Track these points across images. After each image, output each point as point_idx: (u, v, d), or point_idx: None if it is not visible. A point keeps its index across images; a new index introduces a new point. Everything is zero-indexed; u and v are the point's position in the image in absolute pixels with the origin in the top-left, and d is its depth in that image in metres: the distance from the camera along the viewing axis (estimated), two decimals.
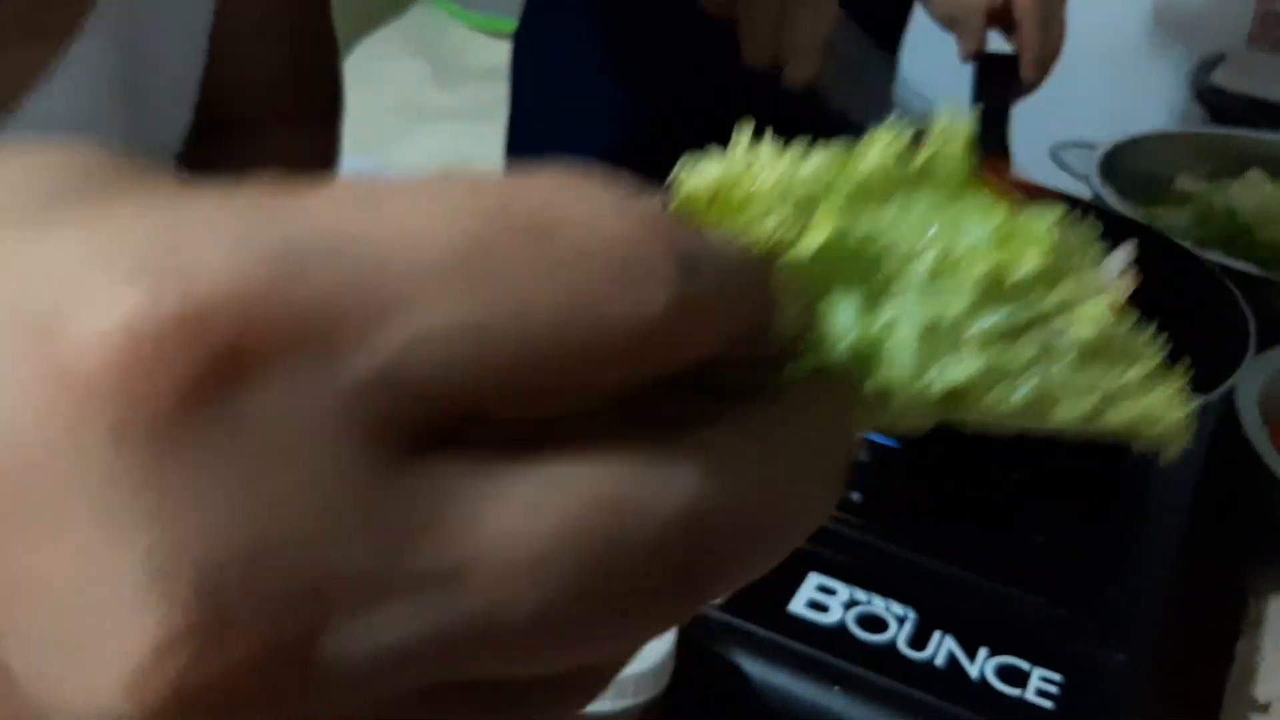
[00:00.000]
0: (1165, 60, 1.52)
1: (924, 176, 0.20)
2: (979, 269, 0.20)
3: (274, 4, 0.71)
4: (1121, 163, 1.04)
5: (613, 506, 0.15)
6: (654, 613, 0.16)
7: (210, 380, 0.13)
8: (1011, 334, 0.20)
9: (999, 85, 0.91)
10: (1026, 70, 0.91)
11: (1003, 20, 0.94)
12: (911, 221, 0.20)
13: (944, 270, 0.20)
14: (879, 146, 0.20)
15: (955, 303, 0.20)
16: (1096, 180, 1.00)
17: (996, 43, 0.95)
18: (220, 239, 0.13)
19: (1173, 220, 1.00)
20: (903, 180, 0.20)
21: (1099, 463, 0.69)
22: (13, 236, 0.14)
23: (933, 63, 0.99)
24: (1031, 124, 0.99)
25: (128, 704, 0.13)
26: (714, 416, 0.17)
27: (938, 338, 0.20)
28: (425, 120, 1.89)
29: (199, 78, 0.65)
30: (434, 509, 0.14)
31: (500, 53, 2.03)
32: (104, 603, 0.13)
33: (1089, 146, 1.04)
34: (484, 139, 1.86)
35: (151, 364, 0.13)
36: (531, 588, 0.15)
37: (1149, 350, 0.22)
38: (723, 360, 0.17)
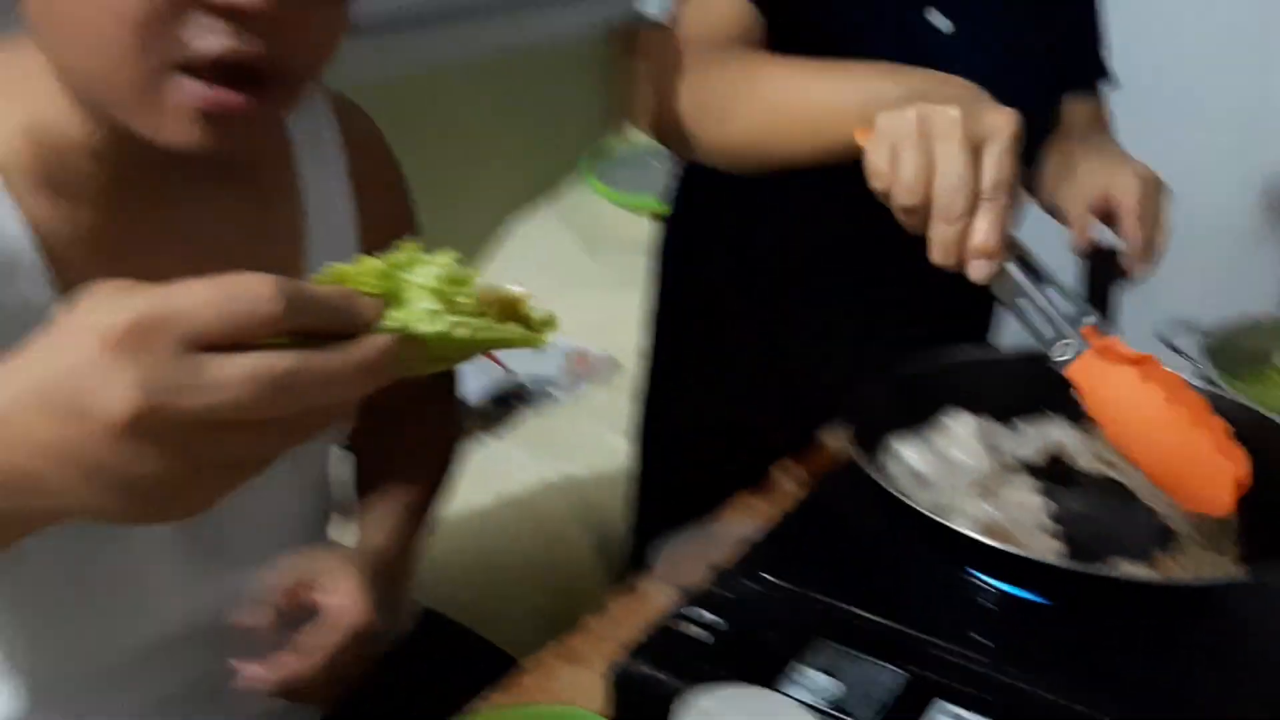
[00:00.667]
0: (1272, 242, 1.59)
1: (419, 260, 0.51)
2: (433, 287, 0.50)
3: None
4: (1226, 342, 1.11)
5: (265, 366, 0.44)
6: (285, 403, 0.45)
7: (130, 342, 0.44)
8: (455, 309, 0.50)
9: (1104, 274, 0.99)
10: (1130, 264, 0.98)
11: (1105, 215, 1.02)
12: (419, 277, 0.50)
13: (429, 289, 0.50)
14: (406, 251, 0.50)
15: (429, 302, 0.49)
16: (1201, 359, 1.07)
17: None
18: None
19: (1272, 398, 1.07)
20: (415, 263, 0.50)
21: (1199, 619, 0.77)
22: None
23: (1043, 245, 1.08)
24: (1138, 303, 1.06)
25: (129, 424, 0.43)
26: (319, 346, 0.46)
27: (432, 315, 0.49)
28: (574, 286, 2.04)
29: None
30: (209, 365, 0.43)
31: (642, 228, 2.20)
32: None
33: (1195, 328, 1.11)
34: (626, 304, 2.00)
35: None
36: (243, 388, 0.43)
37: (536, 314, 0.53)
38: (333, 329, 0.46)
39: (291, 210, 0.84)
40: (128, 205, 0.72)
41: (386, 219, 0.91)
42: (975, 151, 0.73)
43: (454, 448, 1.04)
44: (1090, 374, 0.79)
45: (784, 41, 0.96)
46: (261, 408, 0.44)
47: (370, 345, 0.47)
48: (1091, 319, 0.79)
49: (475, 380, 1.85)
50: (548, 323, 0.54)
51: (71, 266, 0.69)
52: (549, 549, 1.54)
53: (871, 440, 0.89)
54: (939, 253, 0.75)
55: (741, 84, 0.92)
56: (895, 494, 0.78)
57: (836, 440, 1.07)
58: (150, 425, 0.43)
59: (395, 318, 0.49)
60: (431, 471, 1.01)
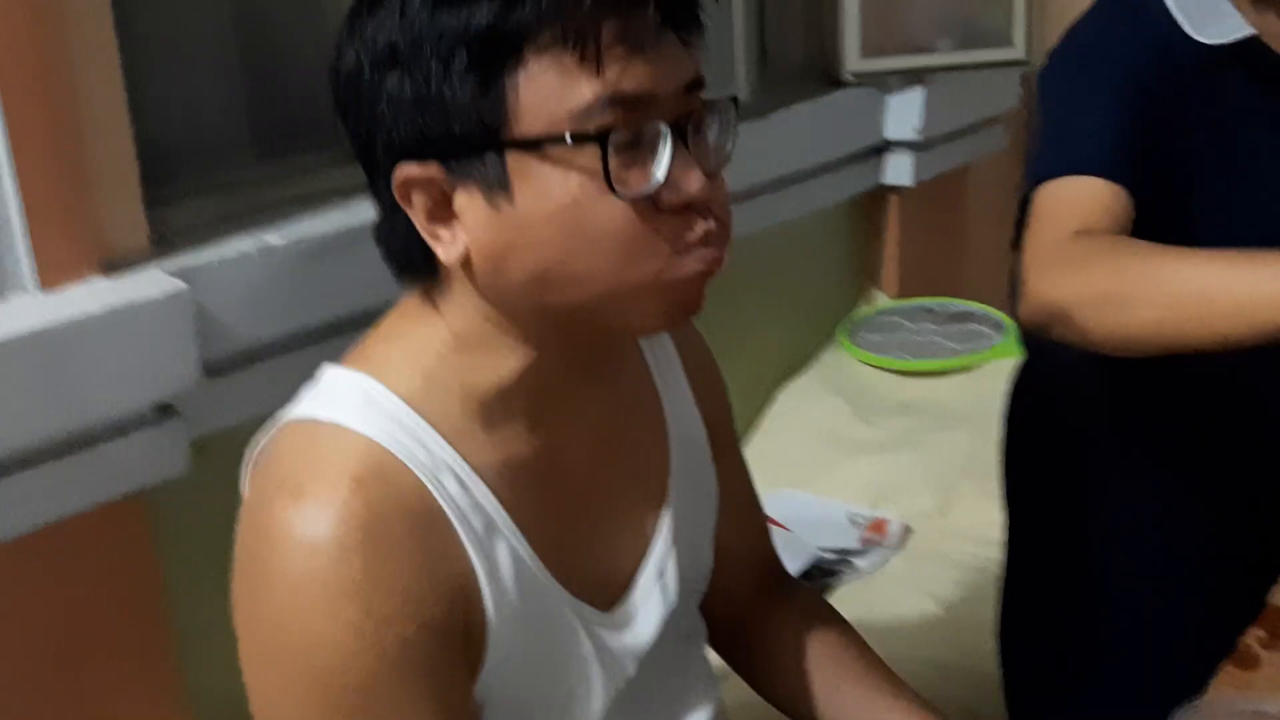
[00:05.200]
0: None
1: None
2: None
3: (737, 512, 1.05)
4: None
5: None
6: None
7: None
8: None
9: None
10: None
11: None
12: None
13: None
14: None
15: None
16: None
17: None
18: None
19: None
20: None
21: None
22: None
23: None
24: None
25: None
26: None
27: None
28: (847, 452, 2.04)
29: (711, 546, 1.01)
30: None
31: (906, 388, 2.19)
32: None
33: None
34: (900, 466, 1.99)
35: None
36: None
37: None
38: None
39: (653, 405, 0.95)
40: (543, 417, 0.83)
41: (716, 406, 1.01)
42: None
43: None
44: None
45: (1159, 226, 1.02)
46: None
47: None
48: None
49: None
50: None
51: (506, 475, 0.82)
52: None
53: None
54: None
55: (1144, 273, 0.97)
56: None
57: None
58: None
59: None
60: None
